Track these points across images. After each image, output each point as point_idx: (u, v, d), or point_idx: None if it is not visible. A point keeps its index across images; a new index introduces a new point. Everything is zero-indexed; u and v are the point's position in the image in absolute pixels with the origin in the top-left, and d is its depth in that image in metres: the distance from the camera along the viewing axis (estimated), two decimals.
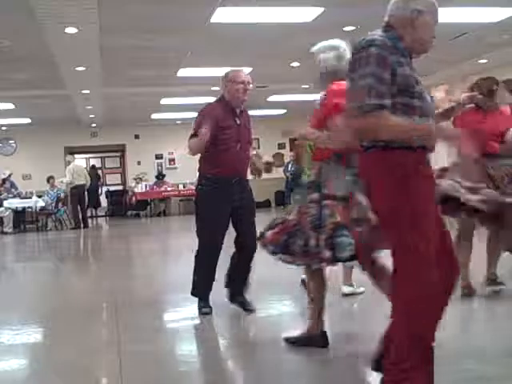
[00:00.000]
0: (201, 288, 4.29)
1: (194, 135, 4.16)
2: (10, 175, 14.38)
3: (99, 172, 19.40)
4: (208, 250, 4.24)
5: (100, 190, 18.05)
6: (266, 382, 3.01)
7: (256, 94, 12.93)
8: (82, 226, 13.45)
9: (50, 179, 14.00)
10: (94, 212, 17.50)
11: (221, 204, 4.15)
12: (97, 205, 17.57)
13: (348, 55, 2.98)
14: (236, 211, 4.21)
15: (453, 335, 3.28)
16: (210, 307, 4.26)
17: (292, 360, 3.25)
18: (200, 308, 4.26)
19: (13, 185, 14.45)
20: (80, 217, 13.54)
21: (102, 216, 17.51)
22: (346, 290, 4.57)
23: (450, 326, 2.84)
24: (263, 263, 4.11)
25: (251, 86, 4.21)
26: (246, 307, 4.28)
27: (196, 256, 4.31)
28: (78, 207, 13.52)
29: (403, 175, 2.25)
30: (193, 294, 4.32)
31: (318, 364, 3.13)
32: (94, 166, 18.97)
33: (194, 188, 15.88)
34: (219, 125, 4.08)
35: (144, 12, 6.60)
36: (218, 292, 4.30)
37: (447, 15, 7.21)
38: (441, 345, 2.43)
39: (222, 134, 4.10)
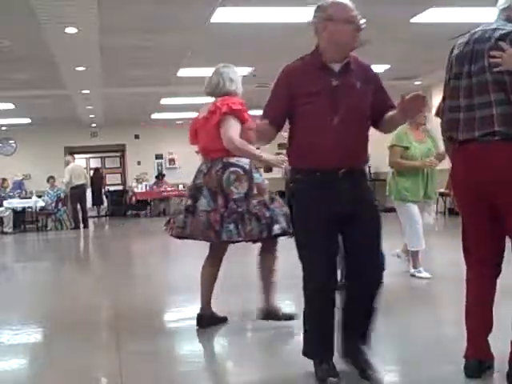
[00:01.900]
0: (310, 343, 2.94)
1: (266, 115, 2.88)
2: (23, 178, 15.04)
3: (100, 171, 19.79)
4: (312, 285, 2.82)
5: (103, 190, 18.61)
6: (266, 382, 3.01)
7: (256, 93, 12.97)
8: (81, 226, 13.45)
9: (49, 179, 14.01)
10: (98, 209, 17.94)
11: (321, 212, 2.77)
12: (100, 203, 18.21)
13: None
14: (346, 221, 2.79)
15: None
16: (336, 374, 2.80)
17: (292, 360, 3.25)
18: (318, 372, 2.84)
19: (21, 186, 14.70)
20: (80, 217, 13.54)
21: (102, 216, 17.51)
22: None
23: None
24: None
25: (364, 26, 2.74)
26: (368, 371, 2.81)
27: (304, 290, 2.90)
28: (78, 207, 13.52)
29: None
30: (304, 353, 2.97)
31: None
32: (97, 169, 19.56)
33: None
34: (300, 91, 2.76)
35: (144, 12, 6.60)
36: (217, 287, 4.28)
37: (447, 15, 7.22)
38: None
39: (306, 104, 2.75)
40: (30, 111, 13.85)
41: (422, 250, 5.37)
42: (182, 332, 4.11)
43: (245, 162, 3.76)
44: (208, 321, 3.96)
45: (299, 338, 3.48)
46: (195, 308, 4.22)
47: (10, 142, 17.19)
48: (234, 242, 3.76)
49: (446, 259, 6.33)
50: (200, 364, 3.36)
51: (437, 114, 2.96)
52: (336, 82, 2.72)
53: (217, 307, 4.22)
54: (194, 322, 4.03)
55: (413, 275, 5.34)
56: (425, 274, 5.28)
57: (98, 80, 10.24)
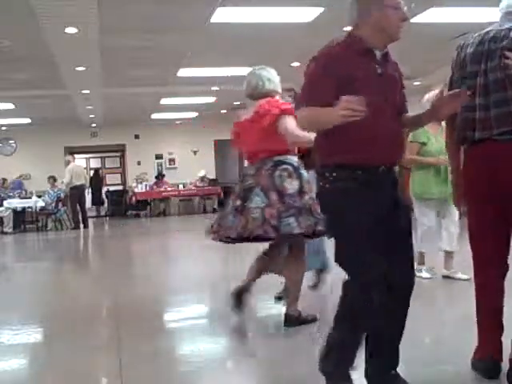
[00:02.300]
0: (345, 358, 2.52)
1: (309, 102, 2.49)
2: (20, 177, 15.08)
3: (99, 172, 19.84)
4: (362, 296, 2.44)
5: (103, 191, 18.70)
6: (266, 382, 3.01)
7: None
8: (81, 226, 13.45)
9: (50, 179, 14.00)
10: (98, 210, 18.03)
11: (369, 214, 2.46)
12: (100, 203, 18.29)
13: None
14: (386, 223, 2.50)
15: None
16: None
17: (292, 359, 3.25)
18: None
19: (20, 186, 14.70)
20: (80, 217, 13.54)
21: (102, 216, 17.52)
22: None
23: None
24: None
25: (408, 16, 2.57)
26: None
27: (344, 299, 2.51)
28: (78, 207, 13.52)
29: None
30: (323, 369, 2.55)
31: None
32: (97, 170, 19.66)
33: (193, 188, 15.85)
34: (345, 78, 2.46)
35: (144, 12, 6.60)
36: (217, 287, 4.29)
37: (447, 15, 7.23)
38: None
39: (352, 92, 2.37)
40: (30, 111, 13.86)
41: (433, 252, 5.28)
42: (182, 332, 4.11)
43: (293, 159, 3.84)
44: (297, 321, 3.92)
45: (300, 338, 3.49)
46: (195, 308, 4.23)
47: (10, 141, 17.19)
48: (294, 236, 3.73)
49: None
50: (200, 364, 3.36)
51: None
52: (380, 69, 2.53)
53: (217, 308, 4.23)
54: (194, 322, 4.04)
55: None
56: (425, 274, 5.27)
57: (98, 80, 10.24)
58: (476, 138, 2.69)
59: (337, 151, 2.47)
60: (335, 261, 2.54)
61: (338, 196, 2.48)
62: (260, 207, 3.68)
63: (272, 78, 3.94)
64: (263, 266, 4.02)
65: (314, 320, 3.88)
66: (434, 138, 5.10)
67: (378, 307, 2.41)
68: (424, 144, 5.10)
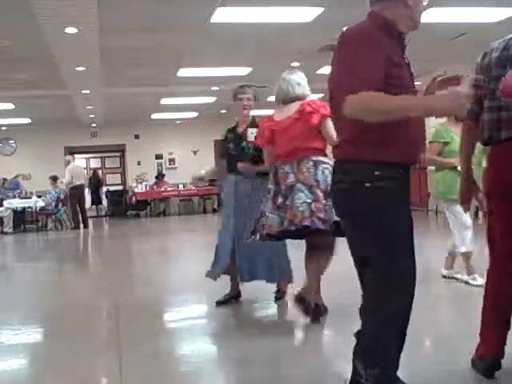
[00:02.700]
0: (387, 358, 2.41)
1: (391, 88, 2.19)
2: (16, 177, 15.01)
3: (99, 172, 19.91)
4: (401, 295, 2.40)
5: (100, 190, 18.71)
6: (266, 382, 3.01)
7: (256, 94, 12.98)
8: (81, 226, 13.45)
9: (53, 179, 13.97)
10: (97, 209, 18.00)
11: (407, 214, 2.47)
12: (99, 203, 18.31)
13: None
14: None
15: None
16: None
17: (293, 359, 3.25)
18: None
19: (18, 185, 14.68)
20: (80, 217, 13.53)
21: (102, 216, 17.51)
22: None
23: None
24: None
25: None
26: None
27: (380, 298, 2.42)
28: (78, 207, 13.51)
29: None
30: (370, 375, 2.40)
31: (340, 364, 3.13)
32: (95, 171, 19.73)
33: (193, 188, 15.83)
34: (389, 58, 2.25)
35: (144, 12, 6.60)
36: (217, 287, 4.29)
37: (447, 15, 7.22)
38: None
39: (392, 77, 2.24)
40: (30, 111, 13.86)
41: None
42: (182, 332, 4.11)
43: (328, 160, 3.92)
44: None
45: (300, 338, 3.49)
46: (195, 308, 4.23)
47: (10, 141, 17.19)
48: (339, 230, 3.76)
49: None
50: (200, 364, 3.36)
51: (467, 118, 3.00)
52: (407, 59, 2.38)
53: (217, 308, 4.23)
54: (194, 322, 4.04)
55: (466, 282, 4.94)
56: (479, 281, 4.61)
57: (98, 80, 10.24)
58: (502, 138, 2.75)
59: (375, 147, 2.29)
60: (360, 261, 2.45)
61: (380, 194, 2.31)
62: (306, 202, 3.77)
63: (301, 81, 4.07)
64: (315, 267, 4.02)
65: (323, 311, 3.92)
66: (458, 137, 4.98)
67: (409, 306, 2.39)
68: (447, 143, 4.88)
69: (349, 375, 2.51)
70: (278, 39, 8.03)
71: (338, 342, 3.52)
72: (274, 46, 8.46)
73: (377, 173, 2.29)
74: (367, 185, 2.30)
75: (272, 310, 4.56)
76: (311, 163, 3.89)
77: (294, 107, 3.98)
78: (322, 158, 3.91)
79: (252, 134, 4.42)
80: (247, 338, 3.95)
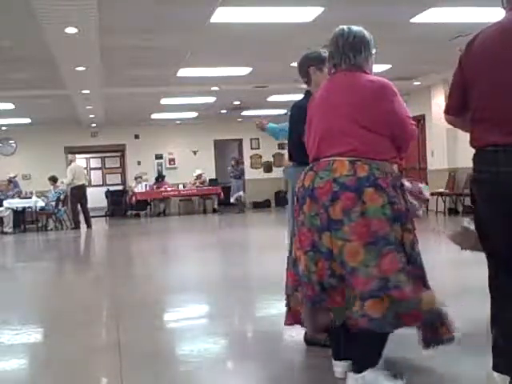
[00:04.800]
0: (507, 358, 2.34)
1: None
2: (14, 176, 14.95)
3: (99, 172, 19.88)
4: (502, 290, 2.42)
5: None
6: (266, 382, 3.01)
7: (256, 94, 12.98)
8: (81, 226, 13.46)
9: (52, 179, 13.97)
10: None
11: None
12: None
13: None
14: None
15: None
16: None
17: (291, 359, 3.25)
18: None
19: (16, 185, 14.67)
20: (80, 217, 13.54)
21: (102, 216, 17.51)
22: None
23: None
24: (264, 262, 4.10)
25: None
26: None
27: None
28: (79, 207, 13.52)
29: None
30: (496, 368, 2.39)
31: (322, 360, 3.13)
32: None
33: (193, 188, 15.77)
34: None
35: (144, 12, 6.60)
36: (217, 287, 4.29)
37: (447, 15, 7.23)
38: None
39: None
40: (30, 111, 13.85)
41: None
42: (182, 332, 4.11)
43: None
44: None
45: (301, 337, 3.48)
46: (195, 308, 4.23)
47: (10, 141, 17.19)
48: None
49: (444, 259, 6.33)
50: (200, 364, 3.36)
51: (446, 112, 2.96)
52: None
53: (217, 308, 4.23)
54: (194, 322, 4.04)
55: None
56: None
57: (98, 80, 10.24)
58: None
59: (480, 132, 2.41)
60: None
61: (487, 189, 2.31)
62: None
63: None
64: None
65: None
66: None
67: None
68: None
69: None
70: (278, 39, 8.03)
71: None
72: (273, 46, 8.45)
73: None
74: (475, 174, 2.32)
75: (273, 309, 4.56)
76: None
77: None
78: None
79: None
80: (247, 338, 3.95)
